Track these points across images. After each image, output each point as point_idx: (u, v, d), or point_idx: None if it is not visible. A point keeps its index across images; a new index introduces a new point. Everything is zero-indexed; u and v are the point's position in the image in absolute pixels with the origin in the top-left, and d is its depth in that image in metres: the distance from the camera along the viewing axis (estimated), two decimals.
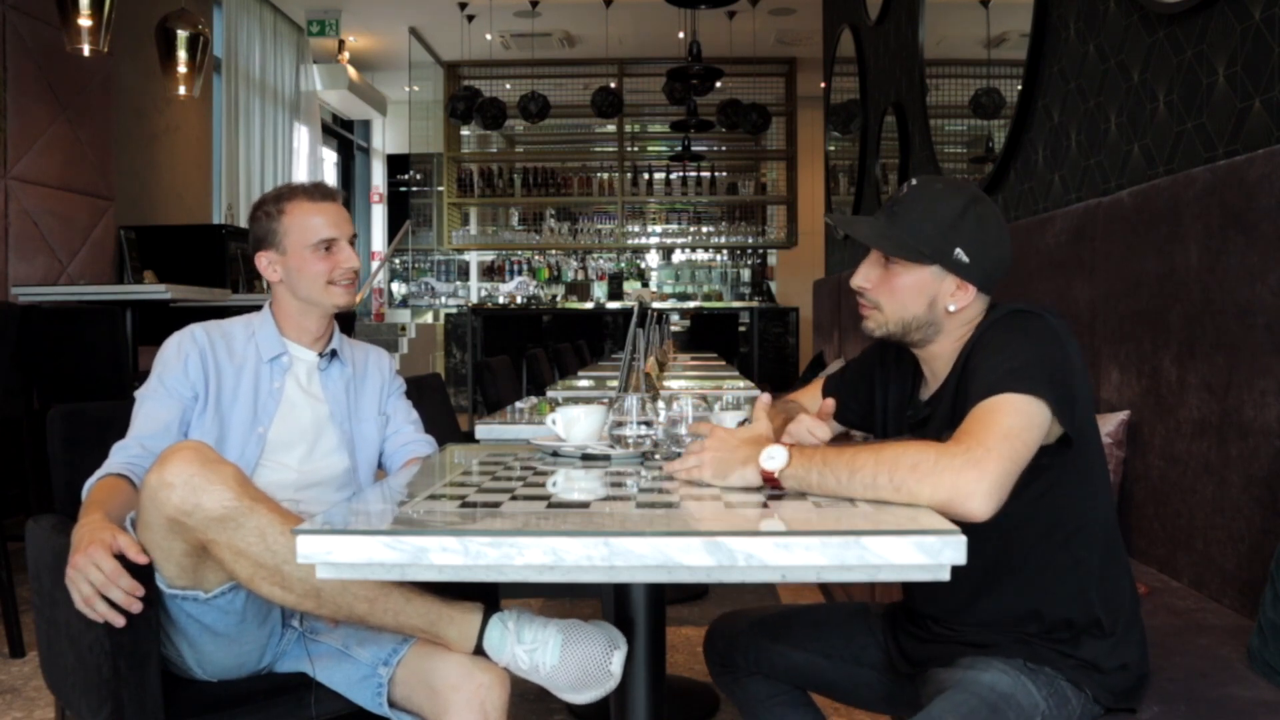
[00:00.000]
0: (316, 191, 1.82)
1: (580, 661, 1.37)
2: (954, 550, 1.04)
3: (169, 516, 1.38)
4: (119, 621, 1.39)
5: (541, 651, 1.40)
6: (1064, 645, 1.35)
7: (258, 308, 1.87)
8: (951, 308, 1.40)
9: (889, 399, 1.58)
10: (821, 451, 1.28)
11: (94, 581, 1.38)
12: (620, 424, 1.59)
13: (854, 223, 1.51)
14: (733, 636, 1.70)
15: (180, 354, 1.73)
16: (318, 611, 1.44)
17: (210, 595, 1.49)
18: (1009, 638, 1.38)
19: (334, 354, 1.87)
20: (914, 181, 1.45)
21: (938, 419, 1.41)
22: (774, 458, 1.28)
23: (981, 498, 1.15)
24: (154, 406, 1.71)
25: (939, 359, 1.45)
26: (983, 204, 1.42)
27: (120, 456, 1.64)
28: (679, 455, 1.43)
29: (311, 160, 9.11)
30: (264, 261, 1.81)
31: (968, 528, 1.15)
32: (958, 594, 1.40)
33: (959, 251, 1.38)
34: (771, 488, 1.29)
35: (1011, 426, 1.21)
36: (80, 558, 1.39)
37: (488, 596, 1.57)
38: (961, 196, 1.41)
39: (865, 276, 1.46)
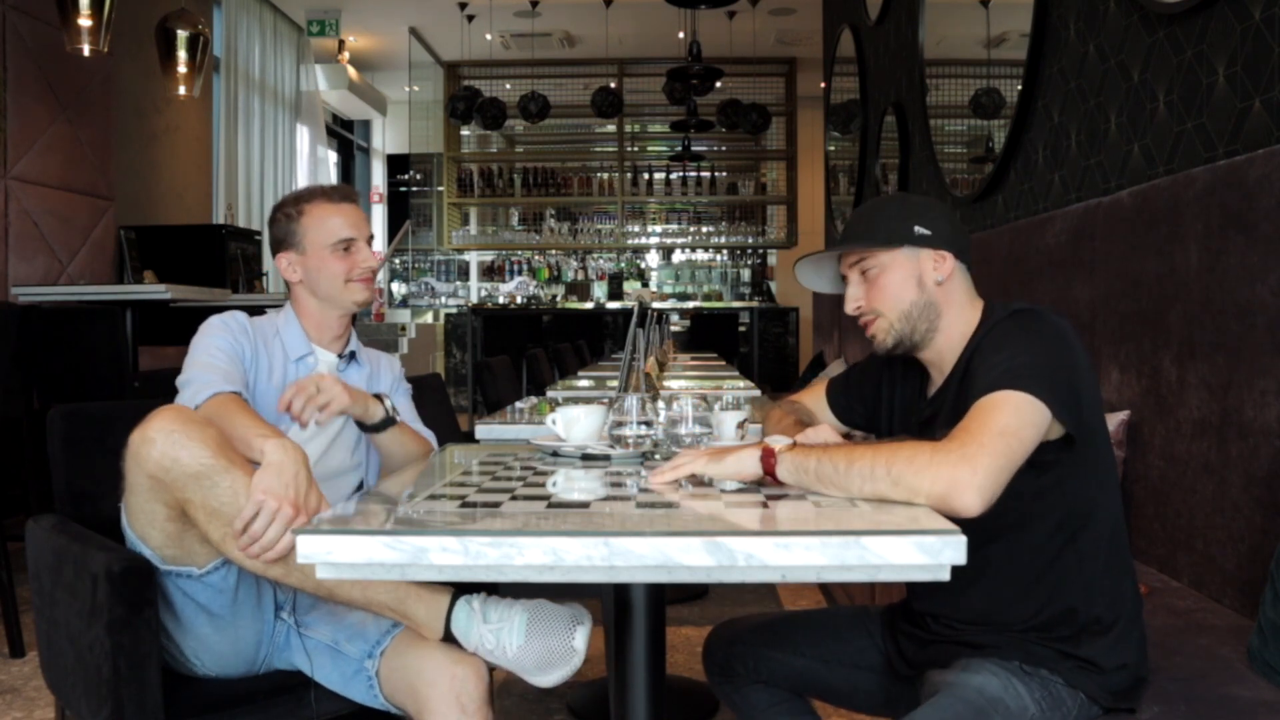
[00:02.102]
0: (335, 193, 1.85)
1: (544, 640, 1.39)
2: (954, 550, 1.04)
3: (149, 474, 1.40)
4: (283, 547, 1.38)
5: (507, 631, 1.41)
6: (1064, 644, 1.35)
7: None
8: (939, 278, 1.45)
9: (896, 399, 1.59)
10: (822, 445, 1.32)
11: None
12: (620, 424, 1.59)
13: (819, 253, 1.57)
14: (731, 644, 1.70)
15: (235, 326, 1.75)
16: (286, 579, 1.44)
17: (203, 571, 1.50)
18: (1007, 638, 1.38)
19: (353, 356, 1.90)
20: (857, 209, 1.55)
21: (941, 417, 1.41)
22: (777, 440, 1.32)
23: (974, 492, 1.17)
24: (222, 357, 1.69)
25: (944, 356, 1.46)
26: (916, 196, 1.57)
27: (210, 384, 1.60)
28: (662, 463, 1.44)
29: (311, 160, 9.10)
30: (284, 262, 1.84)
31: (978, 523, 1.15)
32: (963, 590, 1.40)
33: (917, 228, 1.45)
34: (767, 474, 1.30)
35: (1008, 425, 1.22)
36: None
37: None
38: (895, 195, 1.54)
39: (854, 297, 1.50)
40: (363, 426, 1.75)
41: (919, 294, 1.45)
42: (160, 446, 1.38)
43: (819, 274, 1.60)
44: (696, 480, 1.35)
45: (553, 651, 1.39)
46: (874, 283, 1.47)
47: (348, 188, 1.90)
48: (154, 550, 1.49)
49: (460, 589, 1.49)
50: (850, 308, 1.50)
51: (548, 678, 1.40)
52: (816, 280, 1.61)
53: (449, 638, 1.46)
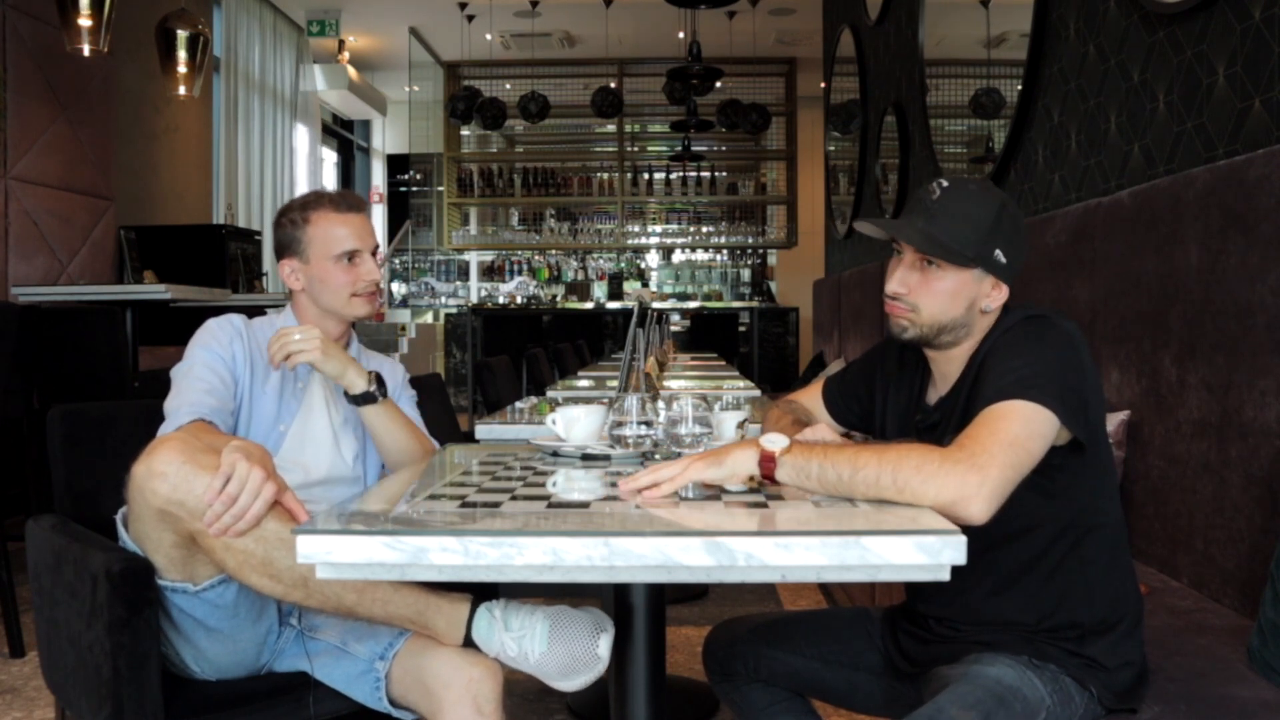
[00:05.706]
0: (342, 202, 1.82)
1: (568, 646, 1.38)
2: (954, 550, 1.04)
3: (158, 507, 1.38)
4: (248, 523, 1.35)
5: (529, 638, 1.40)
6: (1070, 643, 1.36)
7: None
8: (988, 307, 1.42)
9: (890, 401, 1.58)
10: (822, 445, 1.28)
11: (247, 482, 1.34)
12: (620, 424, 1.59)
13: (896, 226, 1.46)
14: (731, 644, 1.70)
15: (225, 336, 1.73)
16: (306, 602, 1.43)
17: (199, 587, 1.48)
18: (1014, 636, 1.38)
19: None
20: (945, 183, 1.43)
21: (947, 423, 1.41)
22: (774, 441, 1.27)
23: (981, 502, 1.16)
24: (206, 373, 1.67)
25: (953, 361, 1.45)
26: (1012, 205, 1.44)
27: (188, 412, 1.57)
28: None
29: (311, 160, 9.11)
30: (286, 269, 1.81)
31: (982, 528, 1.15)
32: (968, 596, 1.40)
33: (998, 253, 1.39)
34: (766, 478, 1.27)
35: (1017, 434, 1.22)
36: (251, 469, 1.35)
37: (487, 597, 1.57)
38: (995, 199, 1.42)
39: (902, 281, 1.43)
40: (349, 397, 1.74)
41: (964, 314, 1.41)
42: (172, 481, 1.36)
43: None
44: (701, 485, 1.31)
45: (577, 659, 1.38)
46: (930, 280, 1.41)
47: (355, 196, 1.87)
48: (155, 570, 1.47)
49: (477, 595, 1.49)
50: (893, 287, 1.43)
51: (570, 683, 1.39)
52: (873, 227, 1.50)
53: (469, 645, 1.46)
